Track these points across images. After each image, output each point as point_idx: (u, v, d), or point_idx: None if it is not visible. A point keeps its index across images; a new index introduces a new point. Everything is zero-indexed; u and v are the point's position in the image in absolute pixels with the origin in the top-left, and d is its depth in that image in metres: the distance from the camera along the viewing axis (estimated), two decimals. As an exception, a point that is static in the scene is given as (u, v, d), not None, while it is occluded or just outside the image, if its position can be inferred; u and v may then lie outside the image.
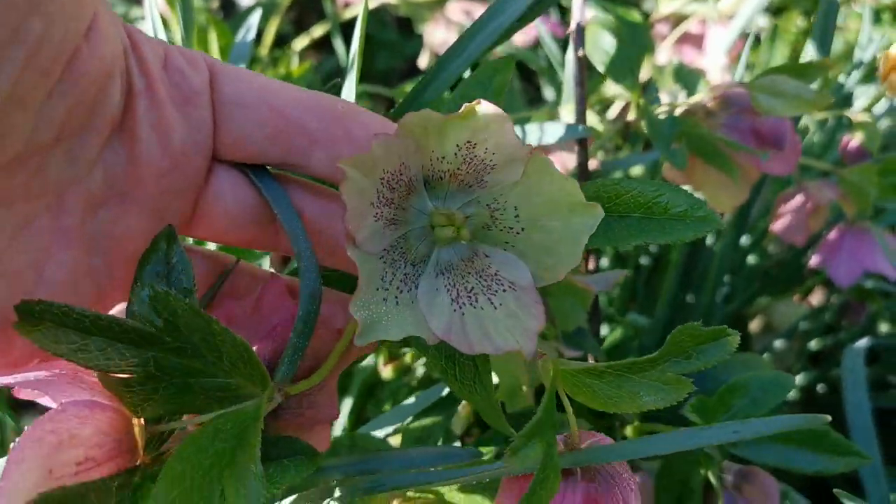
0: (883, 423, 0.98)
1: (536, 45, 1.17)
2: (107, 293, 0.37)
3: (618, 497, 0.37)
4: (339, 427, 0.76)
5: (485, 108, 0.34)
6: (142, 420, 0.34)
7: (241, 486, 0.30)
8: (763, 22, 1.38)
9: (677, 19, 1.09)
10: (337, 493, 0.38)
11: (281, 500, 0.40)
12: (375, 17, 1.53)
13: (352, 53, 0.48)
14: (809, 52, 0.74)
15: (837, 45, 1.40)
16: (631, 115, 0.63)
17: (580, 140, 0.60)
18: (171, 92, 0.36)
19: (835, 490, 0.53)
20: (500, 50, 1.11)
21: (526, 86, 1.48)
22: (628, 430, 0.58)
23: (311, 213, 0.39)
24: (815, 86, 0.65)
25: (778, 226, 0.85)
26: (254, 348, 0.33)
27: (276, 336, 0.38)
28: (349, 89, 0.50)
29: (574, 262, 0.35)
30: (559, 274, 0.36)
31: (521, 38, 1.17)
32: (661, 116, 0.63)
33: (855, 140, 0.85)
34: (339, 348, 0.37)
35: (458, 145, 0.35)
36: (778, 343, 1.04)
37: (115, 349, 0.31)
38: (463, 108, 0.34)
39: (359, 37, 0.48)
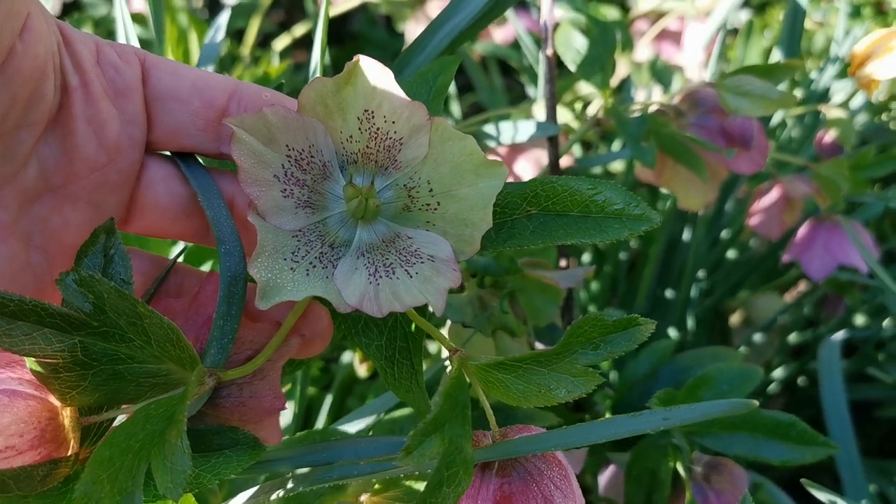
0: (862, 416, 0.99)
1: (517, 44, 1.18)
2: (47, 287, 0.37)
3: (535, 492, 0.35)
4: (320, 423, 0.76)
5: (365, 62, 0.34)
6: (73, 411, 0.34)
7: (168, 460, 0.30)
8: (746, 17, 1.39)
9: (657, 16, 1.10)
10: (290, 485, 0.39)
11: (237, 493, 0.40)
12: (364, 15, 1.54)
13: (314, 58, 0.49)
14: (778, 54, 0.75)
15: (819, 40, 1.41)
16: (602, 113, 0.64)
17: (551, 138, 0.61)
18: (105, 86, 0.37)
19: (802, 480, 0.54)
20: (481, 48, 1.12)
21: (510, 83, 1.48)
22: (600, 424, 0.59)
23: (241, 203, 0.39)
24: (784, 84, 0.66)
25: (754, 220, 0.86)
26: (191, 339, 0.34)
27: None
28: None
29: (486, 226, 0.36)
30: (476, 243, 0.36)
31: (502, 35, 1.18)
32: (634, 115, 0.64)
33: (829, 135, 0.86)
34: (276, 339, 0.37)
35: (358, 118, 0.35)
36: (758, 337, 1.05)
37: (41, 334, 0.32)
38: (346, 66, 0.34)
39: (321, 36, 0.48)
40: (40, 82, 0.34)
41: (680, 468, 0.54)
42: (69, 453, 0.34)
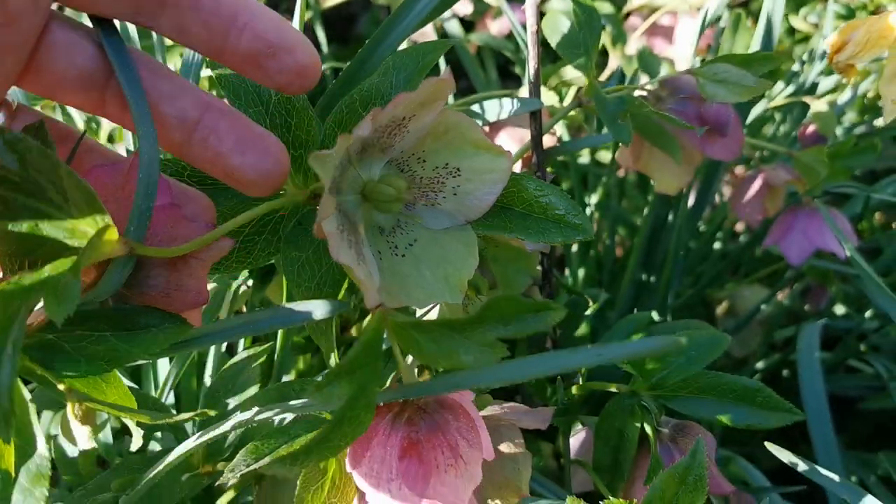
0: (848, 410, 1.01)
1: (512, 35, 1.21)
2: None
3: (441, 440, 0.38)
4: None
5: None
6: None
7: (57, 285, 0.30)
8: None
9: (650, 11, 1.12)
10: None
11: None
12: (370, 17, 1.59)
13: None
14: (755, 46, 0.78)
15: (815, 42, 1.43)
16: (585, 96, 0.66)
17: (533, 112, 0.63)
18: None
19: (766, 443, 0.56)
20: (476, 38, 1.15)
21: (508, 84, 1.51)
22: (574, 390, 0.61)
23: (150, 89, 0.39)
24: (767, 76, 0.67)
25: (736, 207, 0.88)
26: (121, 224, 0.35)
27: None
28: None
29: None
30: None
31: (497, 27, 1.20)
32: (614, 97, 0.66)
33: (812, 127, 0.89)
34: (207, 237, 0.38)
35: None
36: (742, 327, 1.07)
37: None
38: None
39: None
40: None
41: (647, 429, 0.56)
42: None
